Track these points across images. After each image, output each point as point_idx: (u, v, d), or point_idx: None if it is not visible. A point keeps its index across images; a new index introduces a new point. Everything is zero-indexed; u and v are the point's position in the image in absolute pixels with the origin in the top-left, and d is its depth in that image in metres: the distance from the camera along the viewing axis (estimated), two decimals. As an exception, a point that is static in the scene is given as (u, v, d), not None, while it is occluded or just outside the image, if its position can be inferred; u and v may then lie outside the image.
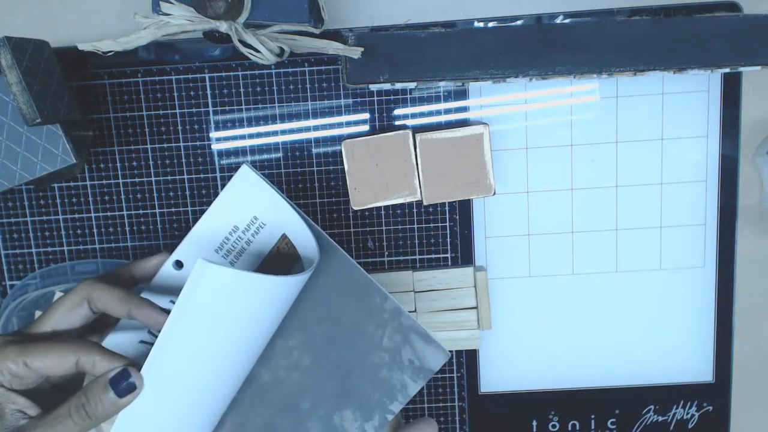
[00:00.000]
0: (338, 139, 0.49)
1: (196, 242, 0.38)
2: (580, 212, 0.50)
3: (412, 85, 0.45)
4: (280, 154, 0.49)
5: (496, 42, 0.44)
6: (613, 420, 0.52)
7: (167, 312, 0.34)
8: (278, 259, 0.39)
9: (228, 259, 0.39)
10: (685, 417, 0.52)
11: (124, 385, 0.32)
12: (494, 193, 0.47)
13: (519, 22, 0.46)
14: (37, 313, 0.50)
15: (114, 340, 0.38)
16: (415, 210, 0.50)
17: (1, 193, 0.49)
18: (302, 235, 0.37)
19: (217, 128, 0.49)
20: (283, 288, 0.34)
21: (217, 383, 0.35)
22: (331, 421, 0.36)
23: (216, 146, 0.49)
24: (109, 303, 0.35)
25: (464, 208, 0.50)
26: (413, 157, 0.47)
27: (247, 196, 0.37)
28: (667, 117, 0.48)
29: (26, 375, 0.32)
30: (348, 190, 0.47)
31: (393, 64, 0.44)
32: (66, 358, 0.32)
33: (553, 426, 0.52)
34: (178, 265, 0.38)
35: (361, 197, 0.47)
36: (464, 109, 0.48)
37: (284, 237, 0.38)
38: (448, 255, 0.50)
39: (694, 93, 0.48)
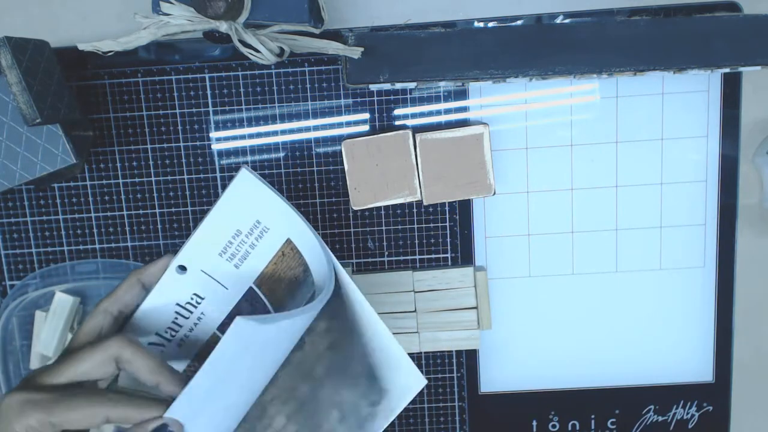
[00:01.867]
0: (338, 139, 0.49)
1: (199, 246, 0.38)
2: (580, 212, 0.50)
3: (412, 85, 0.45)
4: (280, 154, 0.49)
5: (496, 42, 0.44)
6: (613, 420, 0.52)
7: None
8: (284, 264, 0.39)
9: (232, 262, 0.39)
10: (685, 417, 0.52)
11: None
12: (494, 193, 0.47)
13: (519, 22, 0.46)
14: (38, 314, 0.49)
15: None
16: (415, 210, 0.50)
17: (1, 193, 0.49)
18: (307, 241, 0.37)
19: (217, 128, 0.49)
20: (307, 317, 0.34)
21: (241, 409, 0.35)
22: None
23: (216, 146, 0.49)
24: (140, 372, 0.33)
25: (464, 208, 0.50)
26: (413, 157, 0.47)
27: (248, 200, 0.37)
28: (667, 117, 0.48)
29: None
30: (348, 190, 0.47)
31: (393, 64, 0.44)
32: (94, 416, 0.32)
33: (553, 426, 0.52)
34: (182, 269, 0.38)
35: (361, 197, 0.47)
36: (464, 109, 0.48)
37: (289, 242, 0.38)
38: (448, 255, 0.50)
39: (694, 93, 0.48)
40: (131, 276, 0.38)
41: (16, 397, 0.32)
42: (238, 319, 0.30)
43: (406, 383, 0.37)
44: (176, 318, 0.39)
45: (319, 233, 0.49)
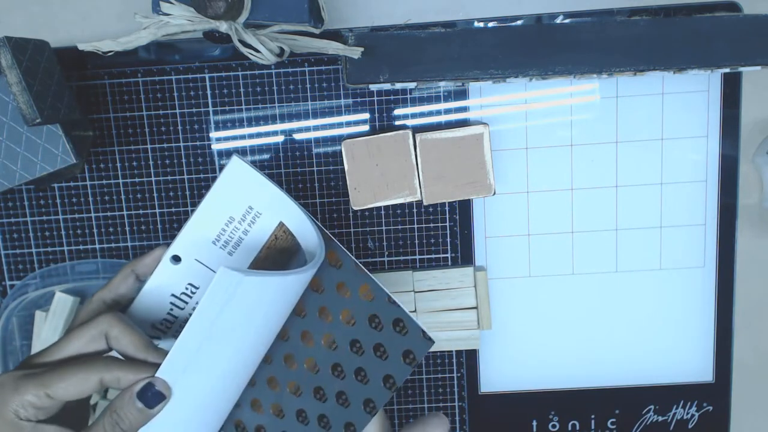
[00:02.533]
0: (338, 139, 0.49)
1: (192, 236, 0.38)
2: (580, 212, 0.50)
3: (412, 85, 0.45)
4: (280, 154, 0.49)
5: (496, 42, 0.44)
6: (613, 420, 0.52)
7: None
8: (277, 248, 0.39)
9: (226, 249, 0.39)
10: (685, 417, 0.52)
11: (151, 395, 0.32)
12: (494, 193, 0.47)
13: (519, 22, 0.46)
14: (38, 314, 0.49)
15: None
16: (415, 210, 0.50)
17: (1, 193, 0.49)
18: (299, 223, 0.38)
19: (217, 128, 0.49)
20: (297, 282, 0.34)
21: (235, 377, 0.35)
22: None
23: (216, 146, 0.49)
24: (127, 348, 0.34)
25: (464, 208, 0.50)
26: (413, 157, 0.47)
27: (240, 187, 0.37)
28: (667, 117, 0.48)
29: (50, 405, 0.32)
30: (348, 190, 0.47)
31: (393, 64, 0.44)
32: (88, 380, 0.32)
33: (553, 426, 0.52)
34: (176, 259, 0.38)
35: (361, 197, 0.47)
36: (464, 109, 0.48)
37: (281, 225, 0.38)
38: (448, 255, 0.50)
39: (694, 93, 0.48)
40: (125, 267, 0.38)
41: (10, 375, 0.33)
42: (221, 269, 0.30)
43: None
44: (171, 309, 0.39)
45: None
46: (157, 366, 0.32)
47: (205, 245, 0.38)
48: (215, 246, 0.38)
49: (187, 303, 0.39)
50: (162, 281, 0.39)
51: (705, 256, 0.50)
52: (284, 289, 0.34)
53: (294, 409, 0.36)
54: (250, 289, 0.32)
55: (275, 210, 0.38)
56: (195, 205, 0.50)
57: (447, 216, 0.50)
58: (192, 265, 0.39)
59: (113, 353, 0.35)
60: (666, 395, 0.52)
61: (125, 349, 0.34)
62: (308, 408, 0.36)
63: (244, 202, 0.38)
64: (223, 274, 0.30)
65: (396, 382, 0.34)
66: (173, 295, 0.39)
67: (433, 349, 0.50)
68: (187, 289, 0.39)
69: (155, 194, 0.49)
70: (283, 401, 0.37)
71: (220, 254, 0.39)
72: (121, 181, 0.49)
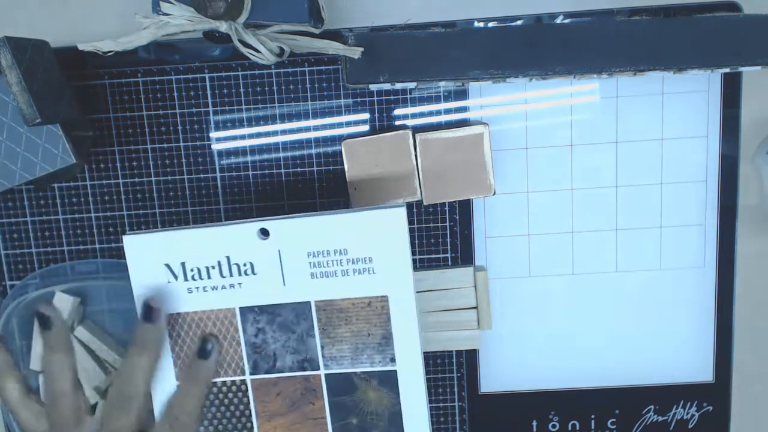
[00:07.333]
0: (338, 139, 0.49)
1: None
2: (580, 212, 0.50)
3: (412, 85, 0.45)
4: (280, 154, 0.49)
5: (496, 42, 0.44)
6: (613, 420, 0.52)
7: None
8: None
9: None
10: (685, 417, 0.52)
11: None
12: (494, 193, 0.47)
13: (519, 22, 0.46)
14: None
15: None
16: (415, 210, 0.50)
17: (1, 193, 0.49)
18: None
19: (217, 128, 0.49)
20: None
21: None
22: None
23: (216, 146, 0.49)
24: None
25: (464, 208, 0.50)
26: (413, 157, 0.47)
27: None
28: (667, 117, 0.48)
29: None
30: (348, 190, 0.47)
31: (393, 64, 0.44)
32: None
33: (553, 426, 0.52)
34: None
35: (361, 197, 0.47)
36: (464, 109, 0.48)
37: None
38: (448, 255, 0.50)
39: (694, 93, 0.48)
40: None
41: None
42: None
43: None
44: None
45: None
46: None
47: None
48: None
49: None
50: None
51: (705, 256, 0.50)
52: None
53: None
54: None
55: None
56: (196, 206, 0.50)
57: (447, 216, 0.50)
58: None
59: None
60: (666, 395, 0.52)
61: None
62: None
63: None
64: None
65: None
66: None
67: (433, 349, 0.50)
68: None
69: (155, 194, 0.49)
70: None
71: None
72: (121, 181, 0.49)
